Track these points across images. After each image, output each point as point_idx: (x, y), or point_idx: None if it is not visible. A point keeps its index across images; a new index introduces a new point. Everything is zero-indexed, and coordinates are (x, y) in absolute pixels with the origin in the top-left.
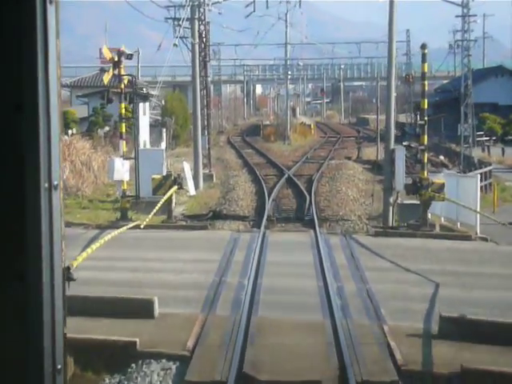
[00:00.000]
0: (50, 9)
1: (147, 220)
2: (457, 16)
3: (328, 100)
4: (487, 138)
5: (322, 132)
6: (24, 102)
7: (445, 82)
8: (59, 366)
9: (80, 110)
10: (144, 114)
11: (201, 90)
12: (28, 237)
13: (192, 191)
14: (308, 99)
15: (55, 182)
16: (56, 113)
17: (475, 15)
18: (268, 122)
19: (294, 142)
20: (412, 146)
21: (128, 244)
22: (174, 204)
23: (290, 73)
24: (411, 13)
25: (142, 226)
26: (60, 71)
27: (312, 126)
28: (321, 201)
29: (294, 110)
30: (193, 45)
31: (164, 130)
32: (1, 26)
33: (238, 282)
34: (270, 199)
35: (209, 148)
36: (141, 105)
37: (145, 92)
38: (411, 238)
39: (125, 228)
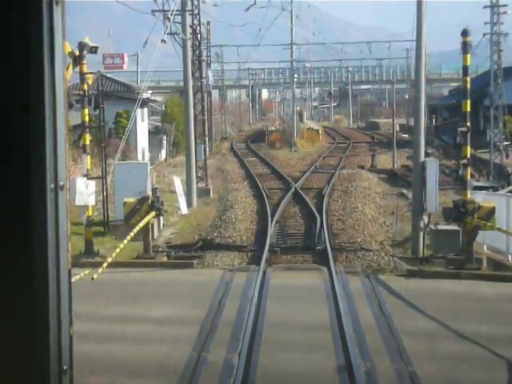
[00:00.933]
0: (57, 9)
1: (104, 267)
2: (485, 7)
3: (335, 104)
4: (509, 143)
5: (331, 137)
6: (30, 102)
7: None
8: (65, 367)
9: (75, 117)
10: (142, 120)
11: (195, 93)
12: (34, 238)
13: (184, 210)
14: (315, 103)
15: (61, 183)
16: (62, 113)
17: (506, 5)
18: (273, 128)
19: (301, 148)
20: (429, 152)
21: (81, 292)
22: (155, 231)
23: (296, 76)
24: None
25: (94, 277)
26: (66, 72)
27: (320, 132)
28: (334, 222)
29: (300, 115)
30: (184, 41)
31: (164, 136)
32: (7, 27)
33: (224, 359)
34: (274, 220)
35: (205, 159)
36: (139, 111)
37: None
38: (455, 279)
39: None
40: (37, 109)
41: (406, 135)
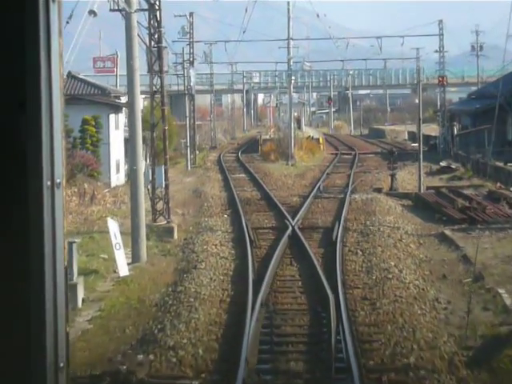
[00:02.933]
0: (53, 8)
1: None
2: None
3: (334, 109)
4: None
5: (333, 147)
6: (26, 100)
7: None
8: (61, 364)
9: None
10: (117, 127)
11: (153, 94)
12: (31, 235)
13: (122, 270)
14: (313, 109)
15: (58, 180)
16: (58, 111)
17: None
18: (268, 137)
19: (300, 161)
20: (453, 167)
21: None
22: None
23: (293, 78)
24: (423, 17)
25: None
26: (62, 70)
27: (321, 141)
28: (357, 307)
29: (298, 121)
30: (127, 14)
31: (143, 146)
32: (4, 25)
33: None
34: (257, 306)
35: (167, 185)
36: (112, 117)
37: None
38: None
39: None
40: (34, 107)
41: (417, 144)
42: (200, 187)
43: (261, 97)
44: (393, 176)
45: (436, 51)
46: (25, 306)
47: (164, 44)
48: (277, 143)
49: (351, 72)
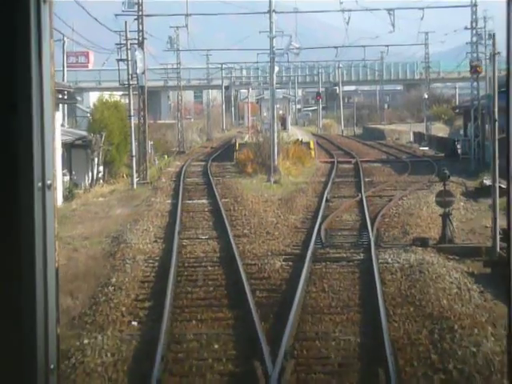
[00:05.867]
0: (44, 8)
1: None
2: None
3: (321, 106)
4: None
5: (325, 152)
6: (17, 101)
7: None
8: (52, 366)
9: None
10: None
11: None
12: (22, 236)
13: None
14: (298, 106)
15: (49, 182)
16: (50, 112)
17: None
18: (244, 141)
19: (286, 175)
20: (502, 186)
21: None
22: None
23: (277, 68)
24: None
25: None
26: (54, 70)
27: (311, 145)
28: None
29: (283, 121)
30: None
31: (89, 152)
32: None
33: None
34: None
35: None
36: None
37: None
38: None
39: None
40: (24, 108)
41: (427, 148)
42: (125, 232)
43: (244, 93)
44: (447, 217)
45: (467, 28)
46: (16, 307)
47: None
48: (256, 150)
49: (341, 65)
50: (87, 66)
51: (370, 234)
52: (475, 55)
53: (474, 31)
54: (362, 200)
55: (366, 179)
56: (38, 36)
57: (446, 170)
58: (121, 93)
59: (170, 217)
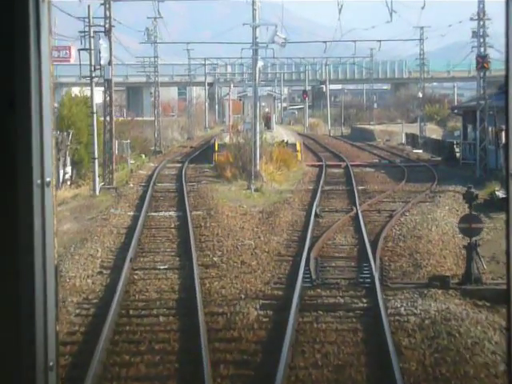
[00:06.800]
0: (43, 7)
1: None
2: None
3: (308, 105)
4: None
5: (313, 154)
6: (16, 100)
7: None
8: (51, 363)
9: None
10: None
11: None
12: (21, 234)
13: None
14: (284, 104)
15: (48, 179)
16: (48, 110)
17: None
18: (223, 141)
19: (269, 181)
20: None
21: None
22: None
23: (261, 63)
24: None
25: None
26: (52, 69)
27: (298, 147)
28: None
29: (268, 120)
30: None
31: (56, 152)
32: None
33: None
34: None
35: None
36: None
37: None
38: None
39: None
40: (23, 105)
41: (421, 151)
42: (63, 260)
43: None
44: (473, 249)
45: (472, 19)
46: (15, 305)
47: None
48: (236, 152)
49: (329, 62)
50: (69, 61)
51: (372, 265)
52: (483, 51)
53: (482, 22)
54: (357, 215)
55: (359, 187)
56: (37, 35)
57: (474, 190)
58: (102, 88)
59: (126, 235)
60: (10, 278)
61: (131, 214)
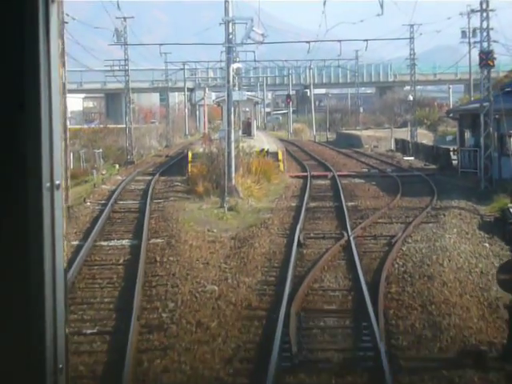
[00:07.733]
0: (52, 8)
1: None
2: None
3: (292, 110)
4: None
5: (297, 162)
6: (26, 101)
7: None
8: (61, 366)
9: None
10: None
11: None
12: (30, 236)
13: None
14: (267, 109)
15: (57, 182)
16: (58, 112)
17: None
18: (195, 151)
19: (246, 197)
20: None
21: None
22: None
23: (238, 64)
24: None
25: None
26: (62, 70)
27: (280, 157)
28: None
29: (248, 126)
30: None
31: None
32: (3, 25)
33: None
34: None
35: None
36: None
37: None
38: None
39: None
40: (33, 107)
41: (412, 158)
42: None
43: (213, 96)
44: None
45: (474, 11)
46: (24, 307)
47: None
48: (209, 163)
49: (313, 66)
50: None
51: (375, 328)
52: (487, 46)
53: (485, 14)
54: (349, 244)
55: (349, 203)
56: (47, 36)
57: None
58: (83, 95)
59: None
60: (19, 281)
61: (76, 243)
